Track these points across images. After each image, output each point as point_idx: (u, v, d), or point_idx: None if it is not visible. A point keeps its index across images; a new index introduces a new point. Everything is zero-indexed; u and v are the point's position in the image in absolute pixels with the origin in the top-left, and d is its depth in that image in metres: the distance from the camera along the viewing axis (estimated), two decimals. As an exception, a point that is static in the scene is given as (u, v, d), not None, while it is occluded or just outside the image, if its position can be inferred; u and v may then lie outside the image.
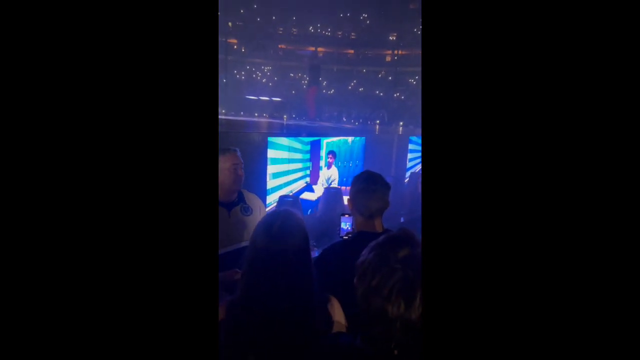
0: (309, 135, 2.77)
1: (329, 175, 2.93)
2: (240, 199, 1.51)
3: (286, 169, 2.46)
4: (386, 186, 1.17)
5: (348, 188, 1.22)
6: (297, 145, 2.57)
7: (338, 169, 3.01)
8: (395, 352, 0.54)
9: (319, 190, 2.80)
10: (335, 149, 2.97)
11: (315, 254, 1.33)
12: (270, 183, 2.29)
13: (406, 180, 3.86)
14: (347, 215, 1.22)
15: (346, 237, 1.19)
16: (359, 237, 1.13)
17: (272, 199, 2.30)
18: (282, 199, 2.26)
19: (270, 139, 2.27)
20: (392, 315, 0.53)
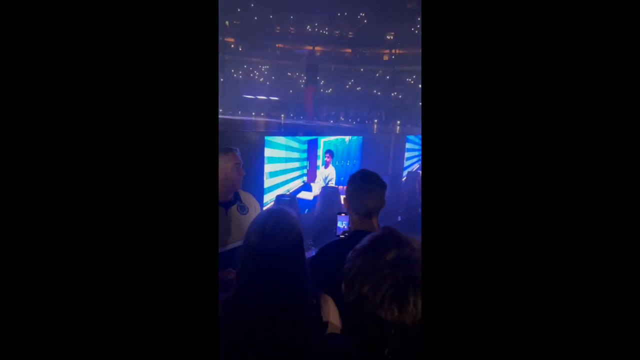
0: (306, 134, 2.77)
1: (327, 174, 2.93)
2: (237, 198, 1.52)
3: (283, 168, 2.46)
4: (382, 185, 1.17)
5: (345, 187, 1.22)
6: (294, 144, 2.57)
7: (335, 168, 3.02)
8: (390, 357, 0.53)
9: (316, 190, 2.80)
10: (332, 148, 2.97)
11: (312, 253, 1.33)
12: (268, 182, 2.29)
13: (403, 179, 3.87)
14: (343, 215, 1.22)
15: (342, 236, 1.19)
16: (355, 236, 1.13)
17: (269, 198, 2.30)
18: (279, 198, 2.26)
19: (267, 138, 2.27)
20: (385, 320, 0.51)
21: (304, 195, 2.71)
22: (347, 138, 3.20)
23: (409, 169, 4.10)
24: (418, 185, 3.21)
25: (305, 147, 2.67)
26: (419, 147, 4.35)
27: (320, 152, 2.83)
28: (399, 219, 3.07)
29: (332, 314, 0.85)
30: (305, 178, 2.72)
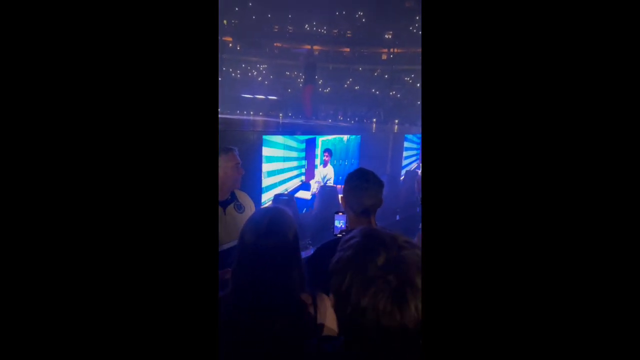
0: (304, 133, 2.76)
1: (325, 173, 2.93)
2: (233, 196, 1.54)
3: (281, 167, 2.46)
4: (379, 184, 1.17)
5: (342, 186, 1.22)
6: (293, 144, 2.57)
7: (334, 167, 3.02)
8: None
9: (315, 188, 2.80)
10: (331, 147, 2.97)
11: (310, 251, 1.33)
12: (266, 181, 2.29)
13: (402, 178, 3.87)
14: (341, 213, 1.22)
15: (340, 235, 1.19)
16: (353, 235, 1.13)
17: (267, 197, 2.30)
18: (277, 197, 2.26)
19: (265, 137, 2.27)
20: (388, 326, 0.49)
21: (302, 194, 2.71)
22: (345, 137, 3.20)
23: (407, 168, 4.10)
24: (417, 185, 3.21)
25: (303, 146, 2.67)
26: (417, 146, 4.35)
27: (318, 151, 2.83)
28: (397, 217, 3.07)
29: (328, 314, 0.84)
30: (303, 177, 2.72)
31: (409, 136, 4.19)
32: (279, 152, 2.42)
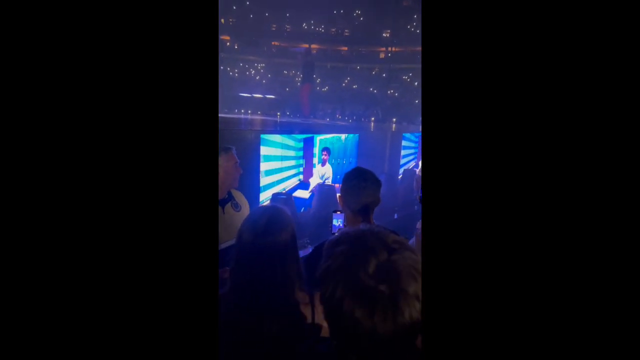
0: (302, 132, 2.76)
1: (323, 172, 2.93)
2: (230, 195, 1.55)
3: (279, 167, 2.46)
4: (377, 183, 1.17)
5: (340, 185, 1.23)
6: (290, 143, 2.56)
7: (332, 166, 3.02)
8: None
9: (314, 186, 2.80)
10: (329, 146, 2.97)
11: (309, 250, 1.33)
12: (264, 180, 2.29)
13: (400, 177, 3.88)
14: (338, 212, 1.22)
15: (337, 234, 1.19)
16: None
17: (264, 197, 2.30)
18: (275, 196, 2.26)
19: (263, 136, 2.26)
20: (383, 333, 0.48)
21: (300, 193, 2.71)
22: (343, 136, 3.20)
23: (405, 167, 4.11)
24: (415, 183, 3.22)
25: (301, 145, 2.67)
26: (415, 144, 4.36)
27: (316, 150, 2.83)
28: (396, 216, 3.08)
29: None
30: (301, 176, 2.72)
31: (407, 135, 4.19)
32: (277, 151, 2.42)
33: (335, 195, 2.53)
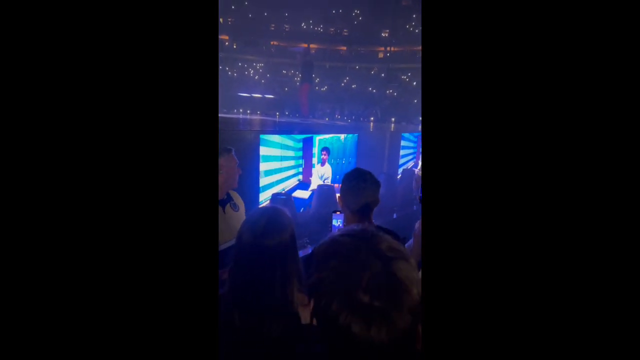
0: (301, 132, 2.77)
1: (323, 172, 2.94)
2: (229, 196, 1.56)
3: (279, 167, 2.46)
4: (376, 184, 1.18)
5: (340, 186, 1.24)
6: (290, 143, 2.57)
7: (331, 166, 3.02)
8: None
9: (314, 187, 2.80)
10: (328, 146, 2.97)
11: (308, 250, 1.34)
12: (263, 181, 2.29)
13: (398, 177, 3.89)
14: (338, 213, 1.23)
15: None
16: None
17: (264, 197, 2.30)
18: (275, 196, 2.27)
19: (262, 136, 2.27)
20: (378, 341, 0.49)
21: (299, 193, 2.71)
22: (342, 136, 3.20)
23: (404, 167, 4.12)
24: (415, 183, 3.22)
25: (300, 145, 2.67)
26: (414, 144, 4.36)
27: (315, 150, 2.83)
28: (395, 216, 3.09)
29: None
30: (300, 177, 2.72)
31: (406, 135, 4.20)
32: (276, 152, 2.42)
33: (335, 195, 2.54)
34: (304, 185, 2.75)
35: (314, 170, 2.83)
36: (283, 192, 2.47)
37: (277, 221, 0.83)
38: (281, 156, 2.48)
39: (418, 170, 3.47)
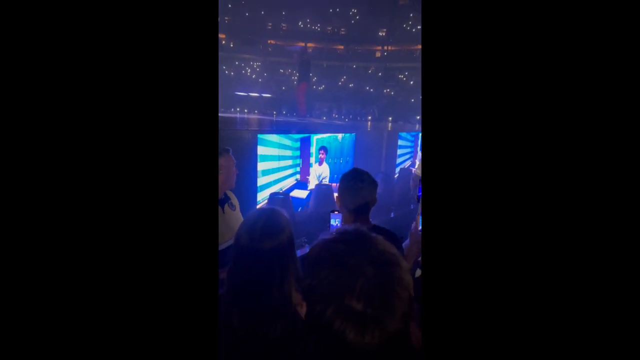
0: (299, 131, 2.77)
1: (321, 172, 2.94)
2: (226, 195, 1.57)
3: (276, 166, 2.46)
4: (373, 183, 1.20)
5: (338, 185, 1.25)
6: (287, 142, 2.57)
7: (329, 166, 3.02)
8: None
9: (312, 186, 2.80)
10: (326, 145, 2.98)
11: (306, 249, 1.34)
12: (260, 180, 2.29)
13: (396, 176, 3.90)
14: (336, 212, 1.24)
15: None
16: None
17: (261, 197, 2.30)
18: (272, 196, 2.27)
19: (260, 135, 2.27)
20: (369, 346, 0.49)
21: (297, 193, 2.72)
22: (339, 136, 3.21)
23: (401, 166, 4.13)
24: (412, 182, 3.24)
25: (298, 144, 2.67)
26: (411, 144, 4.38)
27: (313, 149, 2.83)
28: (392, 215, 3.10)
29: None
30: (298, 176, 2.73)
31: (403, 134, 4.21)
32: (274, 151, 2.42)
33: (333, 195, 2.54)
34: (301, 184, 2.76)
35: (311, 170, 2.84)
36: (281, 191, 2.47)
37: (274, 223, 0.83)
38: (279, 155, 2.48)
39: (415, 169, 3.49)
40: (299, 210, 2.66)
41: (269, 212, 0.86)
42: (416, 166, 3.93)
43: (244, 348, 0.79)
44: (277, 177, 2.48)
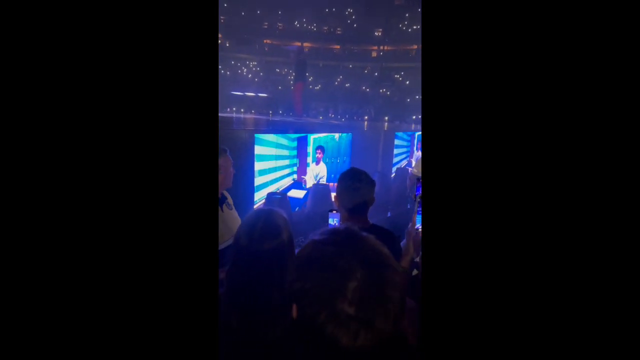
0: (295, 131, 2.77)
1: (317, 171, 2.94)
2: (223, 195, 1.58)
3: (273, 166, 2.46)
4: (371, 183, 1.21)
5: (336, 184, 1.25)
6: (284, 142, 2.57)
7: (326, 165, 3.03)
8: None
9: (310, 186, 2.81)
10: (323, 145, 2.98)
11: (303, 250, 1.34)
12: (257, 180, 2.29)
13: (392, 176, 3.91)
14: (334, 212, 1.24)
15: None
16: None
17: (258, 197, 2.30)
18: (270, 196, 2.27)
19: (257, 135, 2.27)
20: (361, 349, 0.49)
21: (294, 193, 2.72)
22: (336, 135, 3.22)
23: (398, 165, 4.14)
24: (409, 182, 3.25)
25: (295, 144, 2.68)
26: (407, 143, 4.40)
27: (310, 149, 2.84)
28: (389, 214, 3.11)
29: None
30: (295, 176, 2.73)
31: (399, 134, 4.23)
32: (271, 151, 2.42)
33: (330, 194, 2.55)
34: (298, 184, 2.76)
35: (308, 169, 2.84)
36: (278, 191, 2.47)
37: (273, 224, 0.83)
38: (276, 155, 2.48)
39: (412, 169, 3.50)
40: (297, 210, 2.66)
41: (268, 213, 0.86)
42: (413, 165, 3.95)
43: (243, 348, 0.79)
44: (274, 177, 2.48)
